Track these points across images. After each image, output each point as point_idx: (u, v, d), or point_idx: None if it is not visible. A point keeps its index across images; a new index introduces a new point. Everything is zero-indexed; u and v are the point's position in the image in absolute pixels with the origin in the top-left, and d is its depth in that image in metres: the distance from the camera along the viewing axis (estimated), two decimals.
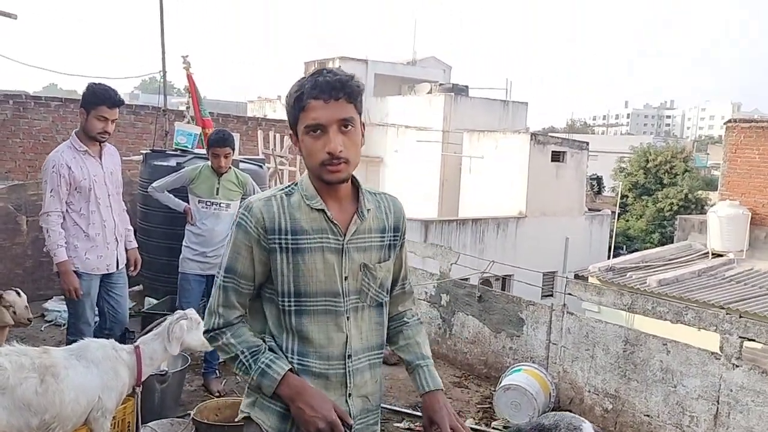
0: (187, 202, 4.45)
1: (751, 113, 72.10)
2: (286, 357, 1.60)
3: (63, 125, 8.47)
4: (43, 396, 2.68)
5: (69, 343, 3.47)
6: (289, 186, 1.66)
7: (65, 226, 3.55)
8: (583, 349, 4.66)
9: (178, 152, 6.11)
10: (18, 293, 3.70)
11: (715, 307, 8.40)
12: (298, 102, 1.55)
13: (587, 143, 17.54)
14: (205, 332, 1.67)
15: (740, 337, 3.87)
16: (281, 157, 8.57)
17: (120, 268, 3.86)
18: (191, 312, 3.32)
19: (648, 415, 4.30)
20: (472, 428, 4.37)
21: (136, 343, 3.15)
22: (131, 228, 3.98)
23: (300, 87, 1.56)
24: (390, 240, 1.71)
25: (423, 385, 1.74)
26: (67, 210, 3.55)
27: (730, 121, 12.31)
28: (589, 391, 4.63)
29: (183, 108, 6.87)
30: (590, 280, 10.82)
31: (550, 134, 22.40)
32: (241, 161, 5.96)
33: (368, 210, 1.66)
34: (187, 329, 3.19)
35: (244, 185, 4.39)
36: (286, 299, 1.59)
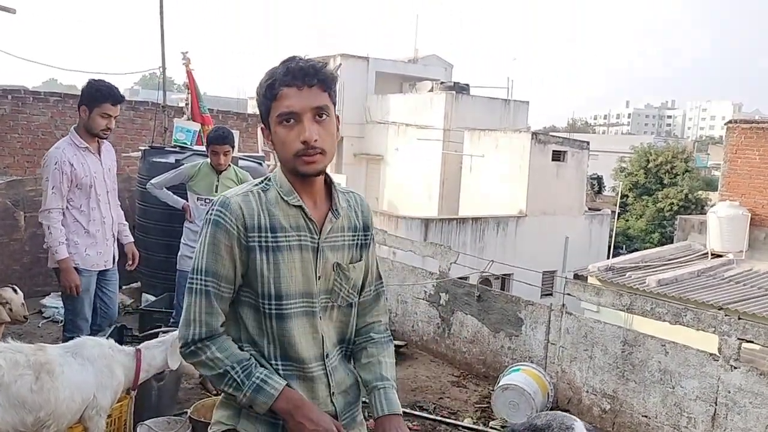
0: (186, 199, 4.44)
1: (752, 114, 72.07)
2: (270, 364, 1.53)
3: (62, 120, 8.45)
4: (38, 393, 2.67)
5: (66, 340, 3.46)
6: (263, 181, 1.57)
7: (65, 223, 3.54)
8: (582, 349, 4.65)
9: (177, 149, 6.09)
10: (15, 290, 3.69)
11: (714, 308, 8.39)
12: (270, 90, 1.48)
13: (588, 143, 17.52)
14: (182, 346, 1.53)
15: (739, 338, 3.86)
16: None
17: (114, 264, 3.86)
18: None
19: (646, 416, 4.29)
20: (470, 428, 4.36)
21: (138, 346, 3.14)
22: (126, 223, 3.98)
23: (271, 75, 1.48)
24: (361, 239, 1.65)
25: (377, 408, 1.61)
26: (67, 207, 3.55)
27: (730, 121, 12.29)
28: (588, 392, 4.63)
29: (182, 104, 6.85)
30: (590, 279, 10.81)
31: (551, 133, 22.38)
32: (240, 158, 5.95)
33: (342, 207, 1.60)
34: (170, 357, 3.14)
35: (243, 182, 4.37)
36: (266, 302, 1.50)
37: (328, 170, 1.60)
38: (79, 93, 3.62)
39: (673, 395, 4.16)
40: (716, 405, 3.96)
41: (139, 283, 6.45)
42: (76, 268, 3.56)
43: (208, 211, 1.53)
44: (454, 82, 20.27)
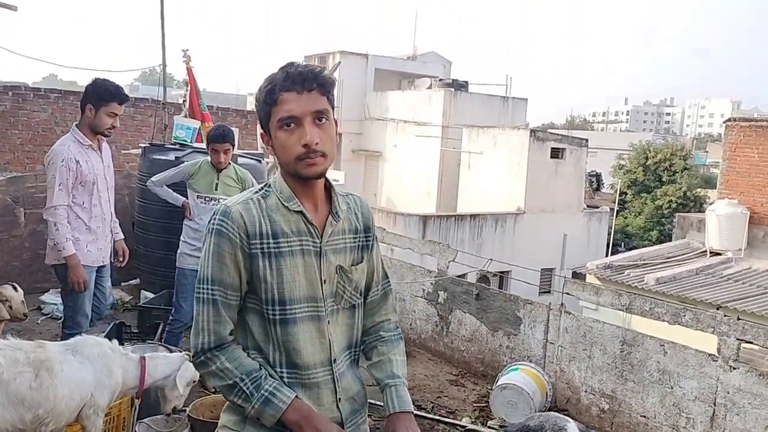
0: (186, 196, 4.44)
1: (750, 111, 72.14)
2: (275, 371, 1.54)
3: (62, 117, 8.44)
4: (37, 391, 2.67)
5: (66, 336, 3.47)
6: (263, 188, 1.58)
7: (68, 220, 3.58)
8: (581, 348, 4.66)
9: (177, 146, 6.08)
10: (15, 288, 3.69)
11: (712, 306, 8.41)
12: (270, 95, 1.50)
13: (586, 140, 17.53)
14: (193, 356, 1.54)
15: (738, 339, 3.87)
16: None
17: (110, 260, 3.93)
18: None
19: (644, 416, 4.31)
20: (468, 428, 4.37)
21: (143, 354, 3.15)
22: (116, 219, 4.01)
23: (271, 81, 1.51)
24: (362, 241, 1.66)
25: (389, 405, 1.62)
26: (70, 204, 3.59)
27: (729, 119, 12.29)
28: (586, 391, 4.64)
29: (182, 101, 6.84)
30: (588, 277, 10.82)
31: (549, 131, 22.38)
32: (239, 156, 5.94)
33: (342, 210, 1.62)
34: (190, 379, 3.13)
35: (243, 181, 4.38)
36: (270, 308, 1.52)
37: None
38: (80, 90, 3.65)
39: (671, 395, 4.18)
40: (715, 405, 3.97)
41: (138, 280, 6.45)
42: None
43: (210, 221, 1.54)
44: (453, 80, 20.27)
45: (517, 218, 15.23)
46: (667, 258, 11.15)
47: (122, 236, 4.06)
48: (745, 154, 11.38)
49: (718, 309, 8.16)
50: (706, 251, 10.96)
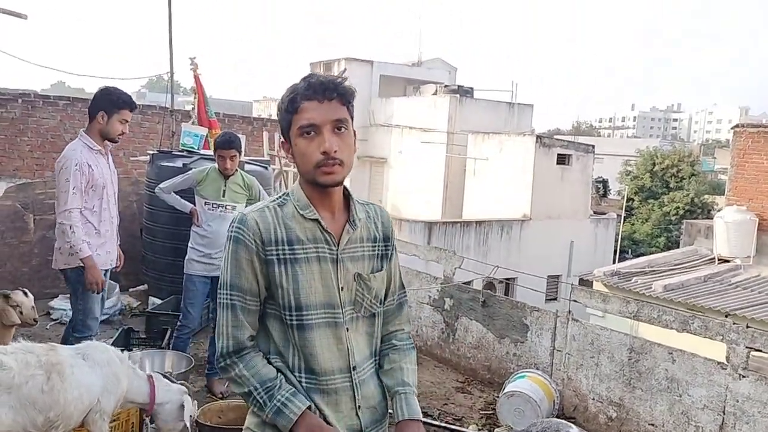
0: (194, 203, 4.46)
1: (758, 117, 71.78)
2: (294, 376, 1.57)
3: (71, 124, 8.49)
4: (48, 394, 2.69)
5: (76, 340, 3.49)
6: (281, 196, 1.62)
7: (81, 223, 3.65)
8: (588, 356, 4.64)
9: (184, 153, 6.12)
10: (25, 293, 3.72)
11: (720, 314, 8.36)
12: (291, 104, 1.54)
13: (593, 146, 17.51)
14: (216, 360, 1.60)
15: (747, 347, 3.85)
16: (286, 158, 8.56)
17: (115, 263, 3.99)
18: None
19: (653, 425, 4.28)
20: None
21: (149, 373, 3.18)
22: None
23: (293, 90, 1.56)
24: (381, 250, 1.69)
25: (398, 413, 1.65)
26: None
27: (737, 125, 12.25)
28: (594, 399, 4.62)
29: (189, 108, 6.90)
30: (595, 284, 10.79)
31: (555, 137, 22.35)
32: (246, 162, 5.97)
33: (359, 219, 1.65)
34: (185, 414, 3.13)
35: (250, 188, 4.40)
36: (287, 313, 1.55)
37: None
38: (88, 97, 3.73)
39: (680, 404, 4.15)
40: (724, 414, 3.95)
41: (145, 286, 6.48)
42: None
43: (228, 228, 1.58)
44: (458, 86, 20.30)
45: (523, 225, 15.20)
46: (675, 265, 11.10)
47: (119, 241, 4.12)
48: (754, 160, 11.34)
49: (726, 317, 8.11)
50: (714, 258, 10.90)
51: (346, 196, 1.65)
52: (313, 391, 1.56)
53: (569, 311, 4.85)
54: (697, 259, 11.23)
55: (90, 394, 2.83)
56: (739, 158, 11.53)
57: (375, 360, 1.69)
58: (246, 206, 4.36)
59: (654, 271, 10.84)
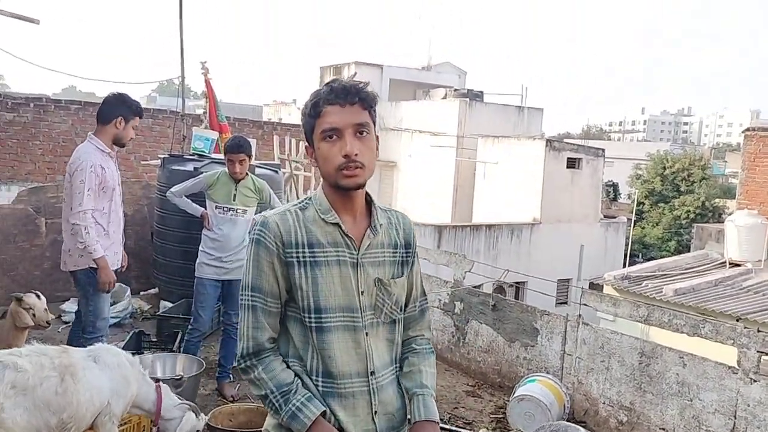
0: (205, 207, 4.49)
1: None
2: (311, 380, 1.58)
3: (82, 128, 8.59)
4: (62, 396, 2.72)
5: (87, 341, 3.53)
6: (303, 201, 1.65)
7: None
8: (599, 360, 4.62)
9: (195, 157, 6.16)
10: (38, 296, 3.75)
11: (732, 318, 8.29)
12: (314, 108, 1.57)
13: (603, 150, 17.42)
14: (238, 361, 1.62)
15: (758, 351, 3.82)
16: (296, 162, 8.61)
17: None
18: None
19: (663, 429, 4.26)
20: None
21: (158, 383, 3.21)
22: None
23: (316, 95, 1.59)
24: (402, 256, 1.70)
25: (415, 414, 1.66)
26: None
27: (748, 129, 12.18)
28: (604, 403, 4.60)
29: (200, 111, 6.94)
30: (605, 288, 10.73)
31: (565, 140, 22.29)
32: (257, 166, 6.00)
33: (380, 225, 1.66)
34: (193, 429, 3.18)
35: (260, 192, 4.42)
36: (307, 315, 1.57)
37: None
38: (99, 101, 3.84)
39: (691, 408, 4.13)
40: (735, 418, 3.92)
41: (156, 289, 6.52)
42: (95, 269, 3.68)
43: (250, 231, 1.62)
44: (468, 89, 20.29)
45: (533, 228, 15.15)
46: (686, 269, 11.02)
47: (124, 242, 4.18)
48: (765, 164, 11.26)
49: (737, 321, 8.04)
50: (725, 262, 10.81)
51: (369, 201, 1.67)
52: (329, 394, 1.57)
53: (579, 315, 4.84)
54: (708, 263, 11.14)
55: (100, 396, 2.86)
56: (750, 162, 11.45)
57: (396, 367, 1.69)
58: (257, 210, 4.38)
59: (665, 275, 10.76)
